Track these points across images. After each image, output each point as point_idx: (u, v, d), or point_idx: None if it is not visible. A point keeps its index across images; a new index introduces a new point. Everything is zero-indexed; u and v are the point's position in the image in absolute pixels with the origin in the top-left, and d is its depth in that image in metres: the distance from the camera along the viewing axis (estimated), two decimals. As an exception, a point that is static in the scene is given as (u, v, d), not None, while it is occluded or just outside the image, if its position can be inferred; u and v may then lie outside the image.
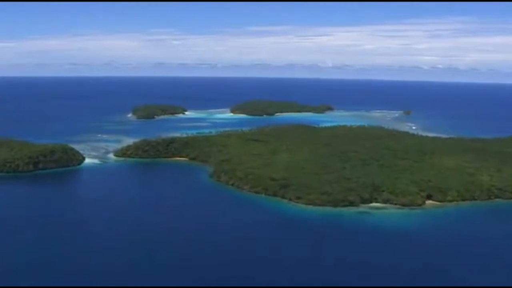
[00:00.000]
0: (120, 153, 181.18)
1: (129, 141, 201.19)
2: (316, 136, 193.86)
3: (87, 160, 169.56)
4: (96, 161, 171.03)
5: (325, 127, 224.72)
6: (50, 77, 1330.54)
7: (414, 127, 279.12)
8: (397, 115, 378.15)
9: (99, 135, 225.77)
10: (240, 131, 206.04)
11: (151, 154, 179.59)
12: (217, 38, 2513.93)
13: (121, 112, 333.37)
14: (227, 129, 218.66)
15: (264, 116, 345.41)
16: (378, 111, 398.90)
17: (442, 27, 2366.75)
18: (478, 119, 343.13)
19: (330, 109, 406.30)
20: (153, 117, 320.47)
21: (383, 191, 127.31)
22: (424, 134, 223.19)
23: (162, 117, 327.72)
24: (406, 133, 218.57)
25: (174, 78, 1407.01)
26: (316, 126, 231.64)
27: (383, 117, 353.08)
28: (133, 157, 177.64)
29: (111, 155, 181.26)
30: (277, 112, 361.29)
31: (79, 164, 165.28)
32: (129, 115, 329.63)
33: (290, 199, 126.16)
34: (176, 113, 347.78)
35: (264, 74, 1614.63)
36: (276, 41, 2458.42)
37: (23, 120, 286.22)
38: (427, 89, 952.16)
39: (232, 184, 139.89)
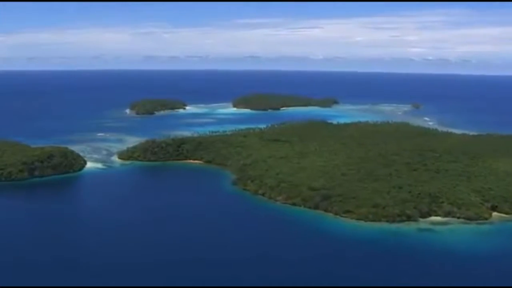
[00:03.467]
0: (125, 155, 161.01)
1: (132, 140, 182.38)
2: (342, 135, 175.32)
3: (89, 165, 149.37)
4: (99, 165, 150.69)
5: (346, 124, 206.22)
6: (40, 71, 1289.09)
7: (430, 122, 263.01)
8: (406, 108, 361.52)
9: (99, 134, 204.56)
10: (257, 130, 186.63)
11: (160, 157, 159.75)
12: (208, 31, 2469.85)
13: (118, 108, 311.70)
14: (239, 127, 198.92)
15: (269, 110, 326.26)
16: (386, 104, 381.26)
17: (433, 19, 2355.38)
18: (491, 113, 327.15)
19: (335, 102, 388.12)
20: (153, 113, 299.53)
21: (442, 202, 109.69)
22: (446, 129, 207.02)
23: (162, 112, 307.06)
24: (436, 130, 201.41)
25: (166, 72, 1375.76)
26: (336, 123, 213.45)
27: (394, 112, 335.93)
28: (140, 160, 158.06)
29: (115, 158, 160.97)
30: (282, 106, 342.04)
31: (80, 169, 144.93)
32: (127, 110, 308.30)
33: (336, 214, 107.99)
34: (176, 108, 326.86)
35: (255, 66, 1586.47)
36: (267, 33, 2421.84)
37: (12, 118, 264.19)
38: (424, 81, 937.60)
39: (263, 194, 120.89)
